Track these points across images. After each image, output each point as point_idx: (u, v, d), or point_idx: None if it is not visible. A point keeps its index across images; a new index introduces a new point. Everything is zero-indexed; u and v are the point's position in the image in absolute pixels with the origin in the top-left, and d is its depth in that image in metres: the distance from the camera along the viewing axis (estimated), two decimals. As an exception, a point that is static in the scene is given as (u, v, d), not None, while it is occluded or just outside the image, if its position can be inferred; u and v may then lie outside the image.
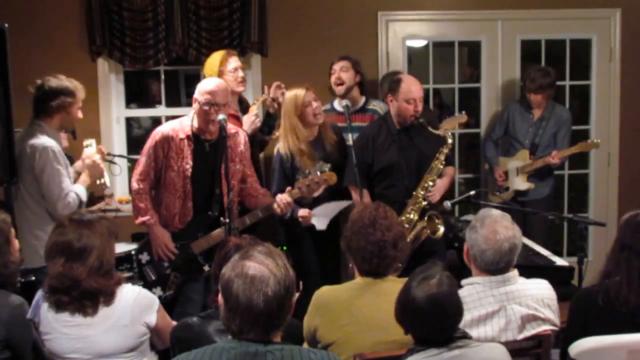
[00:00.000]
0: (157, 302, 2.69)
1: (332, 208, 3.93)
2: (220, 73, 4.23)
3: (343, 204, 3.95)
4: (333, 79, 4.51)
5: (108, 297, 2.56)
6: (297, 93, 3.97)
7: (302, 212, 3.89)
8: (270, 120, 4.39)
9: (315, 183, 3.69)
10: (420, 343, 2.20)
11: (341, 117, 4.44)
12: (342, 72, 4.48)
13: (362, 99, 4.56)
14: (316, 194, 3.78)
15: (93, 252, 2.55)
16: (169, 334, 2.56)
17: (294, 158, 4.00)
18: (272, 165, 4.14)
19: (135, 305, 2.59)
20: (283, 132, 4.03)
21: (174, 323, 2.69)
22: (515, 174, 5.00)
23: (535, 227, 4.85)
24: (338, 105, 4.57)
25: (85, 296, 2.52)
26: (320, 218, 3.91)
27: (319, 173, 3.77)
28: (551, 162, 4.81)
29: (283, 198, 3.69)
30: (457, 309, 2.20)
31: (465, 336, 2.21)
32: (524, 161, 4.97)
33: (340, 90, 4.49)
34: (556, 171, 5.18)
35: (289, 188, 3.75)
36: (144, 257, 3.76)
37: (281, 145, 4.04)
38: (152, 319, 2.63)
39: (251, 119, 4.29)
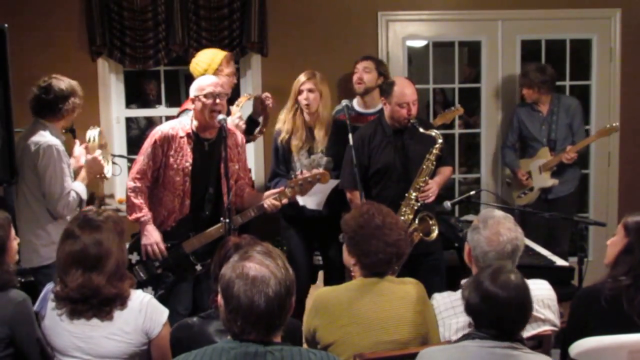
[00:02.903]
0: (165, 316, 2.62)
1: (321, 188, 3.90)
2: (217, 72, 4.20)
3: (333, 182, 3.92)
4: (355, 77, 4.54)
5: (123, 300, 2.54)
6: (300, 76, 4.09)
7: None
8: (252, 125, 4.43)
9: (308, 182, 3.69)
10: (482, 331, 2.19)
11: (361, 117, 4.47)
12: (364, 73, 4.51)
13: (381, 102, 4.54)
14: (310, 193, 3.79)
15: (110, 257, 2.52)
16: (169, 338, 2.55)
17: (285, 137, 4.12)
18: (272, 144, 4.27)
19: (140, 314, 2.56)
20: (285, 110, 4.16)
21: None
22: (539, 172, 4.99)
23: (560, 228, 4.86)
24: (357, 104, 4.56)
25: (104, 302, 2.51)
26: (308, 197, 3.89)
27: (313, 171, 3.77)
28: (567, 157, 4.81)
29: (274, 203, 3.69)
30: (532, 303, 2.22)
31: (522, 341, 2.22)
32: (546, 158, 4.96)
33: (359, 88, 4.52)
34: (582, 170, 5.23)
35: (281, 188, 3.75)
36: (134, 257, 3.75)
37: (280, 119, 4.17)
38: (153, 331, 2.57)
39: (235, 122, 4.30)
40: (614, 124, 4.84)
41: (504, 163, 5.32)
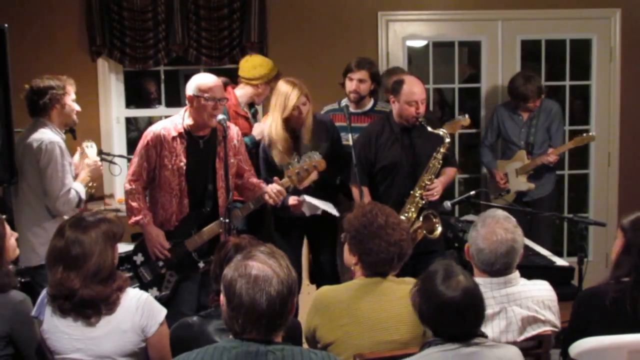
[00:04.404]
0: (162, 315, 2.62)
1: (321, 205, 3.95)
2: (269, 81, 4.42)
3: (332, 210, 3.98)
4: (350, 87, 4.44)
5: (110, 305, 2.52)
6: (291, 95, 3.92)
7: (292, 199, 3.92)
8: None
9: (305, 170, 3.68)
10: (441, 337, 2.20)
11: (351, 117, 4.44)
12: (360, 84, 4.40)
13: (371, 102, 4.52)
14: (307, 183, 3.79)
15: (89, 259, 2.51)
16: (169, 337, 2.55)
17: (270, 147, 4.05)
18: (259, 154, 4.19)
19: (137, 312, 2.55)
20: (269, 120, 4.04)
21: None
22: (515, 175, 5.00)
23: (541, 227, 4.88)
24: (347, 104, 4.54)
25: (84, 304, 2.49)
26: (310, 206, 3.94)
27: (307, 160, 3.77)
28: (548, 160, 4.83)
29: (274, 187, 3.69)
30: (483, 301, 2.23)
31: (483, 335, 2.22)
32: (522, 162, 4.98)
33: (354, 98, 4.45)
34: (558, 171, 5.20)
35: (276, 178, 3.75)
36: (139, 258, 3.76)
37: (266, 128, 4.08)
38: (150, 329, 2.57)
39: (262, 128, 4.31)
40: (590, 134, 4.85)
41: (481, 162, 5.32)
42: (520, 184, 4.98)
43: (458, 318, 2.16)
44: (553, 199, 5.14)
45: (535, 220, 4.79)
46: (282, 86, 3.98)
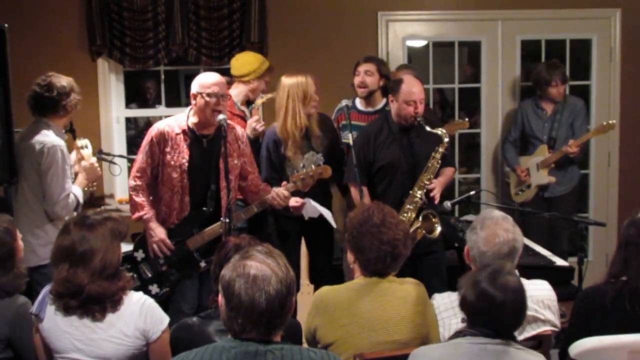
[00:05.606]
0: (165, 322, 2.62)
1: (320, 211, 4.00)
2: (261, 75, 4.42)
3: (330, 219, 4.04)
4: (357, 80, 4.45)
5: (114, 302, 2.53)
6: (308, 82, 4.01)
7: (294, 201, 3.93)
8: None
9: (310, 177, 3.74)
10: (474, 329, 2.19)
11: (362, 116, 4.46)
12: (366, 76, 4.41)
13: (383, 101, 4.50)
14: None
15: (95, 255, 2.53)
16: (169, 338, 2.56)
17: (283, 143, 4.07)
18: (260, 152, 4.17)
19: (140, 318, 2.56)
20: (283, 114, 4.05)
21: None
22: (536, 169, 5.00)
23: (559, 227, 4.89)
24: (359, 103, 4.54)
25: (91, 300, 2.51)
26: (310, 210, 3.97)
27: (313, 166, 3.81)
28: (569, 151, 4.82)
29: (280, 192, 3.74)
30: (525, 306, 2.23)
31: (515, 339, 2.22)
32: (544, 156, 4.98)
33: (362, 92, 4.45)
34: (582, 170, 5.25)
35: (284, 182, 3.80)
36: (139, 255, 3.76)
37: (278, 126, 4.07)
38: (152, 336, 2.57)
39: (252, 125, 4.30)
40: (610, 121, 4.85)
41: (504, 158, 5.32)
42: (541, 177, 4.97)
43: (494, 314, 2.15)
44: (575, 197, 5.15)
45: (554, 222, 4.78)
46: (292, 79, 4.03)
